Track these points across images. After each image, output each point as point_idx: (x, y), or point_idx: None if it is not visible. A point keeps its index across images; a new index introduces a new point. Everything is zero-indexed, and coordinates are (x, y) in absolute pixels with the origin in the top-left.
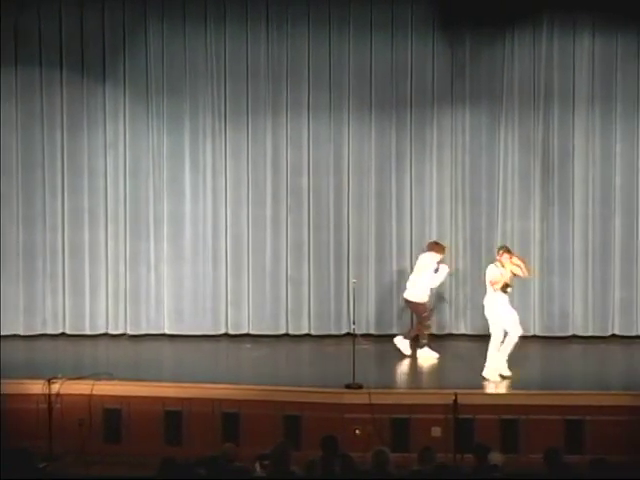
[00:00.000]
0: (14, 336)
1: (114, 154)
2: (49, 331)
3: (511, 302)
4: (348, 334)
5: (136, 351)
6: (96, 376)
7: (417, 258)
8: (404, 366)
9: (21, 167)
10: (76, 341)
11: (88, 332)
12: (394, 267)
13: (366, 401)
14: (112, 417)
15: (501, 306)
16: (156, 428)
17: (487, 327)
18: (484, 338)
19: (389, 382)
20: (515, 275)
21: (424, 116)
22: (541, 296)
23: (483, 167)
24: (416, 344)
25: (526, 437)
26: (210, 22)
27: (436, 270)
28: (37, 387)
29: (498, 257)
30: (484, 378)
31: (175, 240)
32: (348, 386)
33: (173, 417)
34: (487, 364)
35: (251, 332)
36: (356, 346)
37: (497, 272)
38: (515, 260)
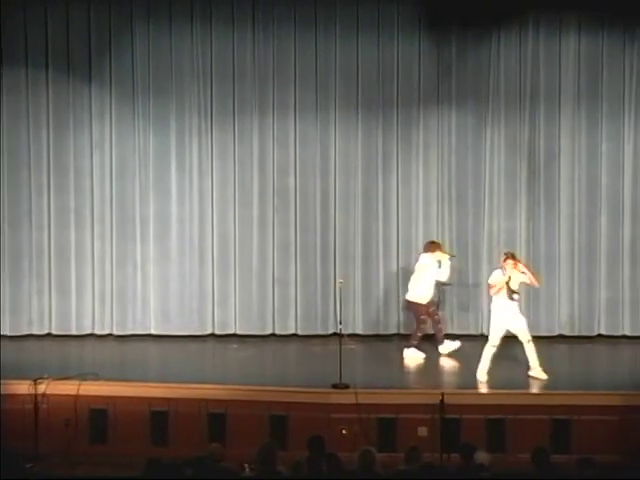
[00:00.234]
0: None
1: (100, 154)
2: (35, 331)
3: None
4: (335, 334)
5: (122, 351)
6: (82, 376)
7: (404, 258)
8: (391, 366)
9: (7, 167)
10: (62, 341)
11: (74, 332)
12: (381, 267)
13: (353, 401)
14: (98, 417)
15: (495, 311)
16: (142, 428)
17: (474, 327)
18: (470, 338)
19: (376, 382)
20: (522, 282)
21: (410, 116)
22: (527, 296)
23: (469, 167)
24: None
25: (513, 437)
26: (196, 23)
27: (439, 266)
28: (23, 387)
29: (502, 263)
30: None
31: (161, 240)
32: (335, 386)
33: (159, 417)
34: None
35: (238, 332)
36: (343, 346)
37: (497, 277)
38: (520, 267)
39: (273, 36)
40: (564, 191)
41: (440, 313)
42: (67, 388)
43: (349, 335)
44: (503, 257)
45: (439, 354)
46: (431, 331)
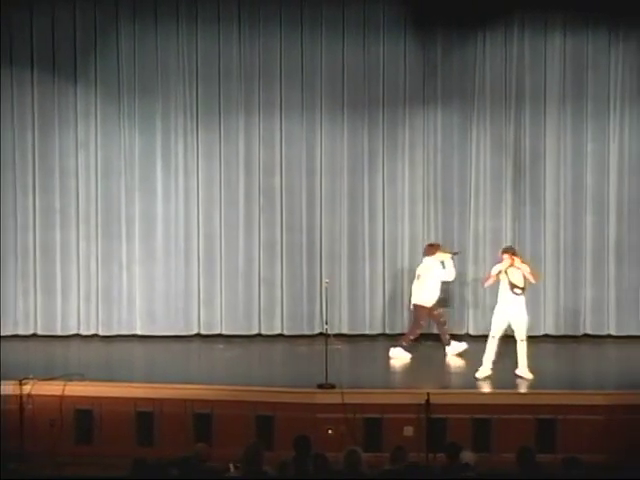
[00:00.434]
0: None
1: (85, 154)
2: (20, 332)
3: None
4: (321, 334)
5: (108, 352)
6: (68, 377)
7: (389, 258)
8: (376, 366)
9: None
10: (47, 342)
11: (59, 333)
12: (367, 267)
13: (339, 401)
14: (84, 418)
15: (499, 304)
16: (128, 429)
17: (458, 327)
18: (456, 338)
19: (361, 382)
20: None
21: (396, 116)
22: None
23: (455, 166)
24: (444, 342)
25: (498, 436)
26: (182, 22)
27: (443, 266)
28: (8, 388)
29: (500, 256)
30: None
31: (147, 240)
32: (321, 386)
33: (145, 418)
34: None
35: (223, 332)
36: (329, 346)
37: (495, 268)
38: (517, 263)
39: (259, 36)
40: (549, 190)
41: (445, 315)
42: (52, 389)
43: (335, 335)
44: (501, 251)
45: (424, 354)
46: (436, 331)
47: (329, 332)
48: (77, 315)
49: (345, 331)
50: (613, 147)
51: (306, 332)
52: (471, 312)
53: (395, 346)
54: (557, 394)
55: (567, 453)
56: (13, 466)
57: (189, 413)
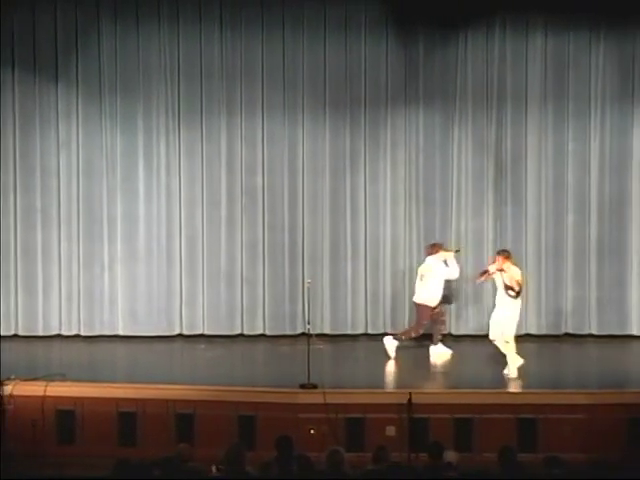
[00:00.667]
0: None
1: (67, 153)
2: (2, 332)
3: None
4: (303, 334)
5: (90, 352)
6: (49, 377)
7: (371, 257)
8: (358, 366)
9: None
10: (29, 342)
11: (41, 333)
12: (349, 267)
13: (321, 401)
14: (65, 418)
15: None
16: (110, 429)
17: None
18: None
19: (343, 382)
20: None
21: (378, 116)
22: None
23: (437, 166)
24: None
25: (480, 436)
26: (163, 22)
27: (446, 265)
28: None
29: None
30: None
31: (129, 240)
32: (303, 386)
33: (127, 418)
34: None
35: (206, 332)
36: (311, 346)
37: (490, 267)
38: (507, 266)
39: (241, 35)
40: (531, 190)
41: (445, 314)
42: (34, 389)
43: (317, 335)
44: (496, 252)
45: (407, 353)
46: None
47: (311, 332)
48: (59, 315)
49: (327, 331)
50: (594, 146)
51: (288, 332)
52: (453, 312)
53: (394, 338)
54: (538, 393)
55: (548, 452)
56: None
57: (171, 413)
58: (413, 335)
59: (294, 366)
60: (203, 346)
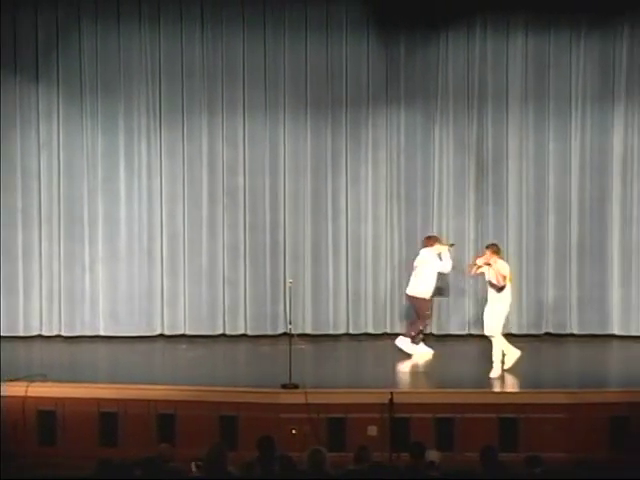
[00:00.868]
0: None
1: (48, 154)
2: None
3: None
4: (284, 334)
5: (71, 352)
6: (30, 378)
7: (353, 257)
8: (340, 366)
9: None
10: (9, 342)
11: (22, 333)
12: (330, 267)
13: (302, 401)
14: (47, 419)
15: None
16: (91, 429)
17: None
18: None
19: (325, 382)
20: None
21: (359, 115)
22: (475, 295)
23: (418, 166)
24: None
25: (461, 435)
26: (144, 22)
27: (440, 258)
28: None
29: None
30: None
31: (110, 240)
32: (284, 386)
33: (108, 418)
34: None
35: (187, 333)
36: (292, 346)
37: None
38: (493, 261)
39: (222, 35)
40: (512, 190)
41: (431, 311)
42: (15, 390)
43: (299, 335)
44: (485, 246)
45: (388, 353)
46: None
47: (293, 332)
48: (39, 316)
49: (309, 331)
50: (575, 146)
51: (270, 332)
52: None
53: (417, 343)
54: (519, 393)
55: (529, 452)
56: None
57: (153, 413)
58: (421, 328)
59: (276, 366)
60: (184, 346)
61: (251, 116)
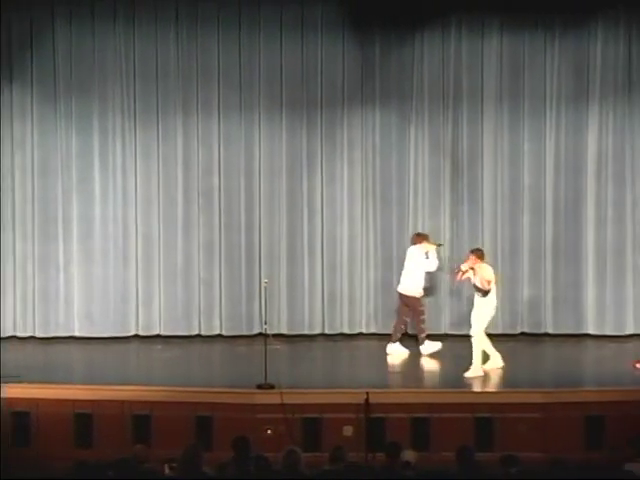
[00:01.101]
0: None
1: (22, 154)
2: None
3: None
4: (260, 334)
5: (45, 353)
6: (4, 379)
7: (328, 257)
8: (316, 366)
9: None
10: None
11: None
12: (306, 267)
13: (278, 401)
14: (21, 420)
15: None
16: (66, 431)
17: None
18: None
19: (301, 382)
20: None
21: (335, 116)
22: (450, 294)
23: (393, 166)
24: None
25: (437, 435)
26: (119, 22)
27: (427, 257)
28: None
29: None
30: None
31: (85, 241)
32: (260, 386)
33: (83, 419)
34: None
35: (162, 333)
36: (268, 346)
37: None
38: (478, 266)
39: (197, 36)
40: (487, 190)
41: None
42: None
43: (274, 335)
44: (469, 251)
45: (365, 353)
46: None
47: (268, 332)
48: (13, 316)
49: (284, 331)
50: (550, 146)
51: (245, 332)
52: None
53: (422, 342)
54: (495, 392)
55: (505, 451)
56: None
57: (128, 414)
58: (422, 326)
59: (251, 366)
60: (160, 347)
61: (226, 116)
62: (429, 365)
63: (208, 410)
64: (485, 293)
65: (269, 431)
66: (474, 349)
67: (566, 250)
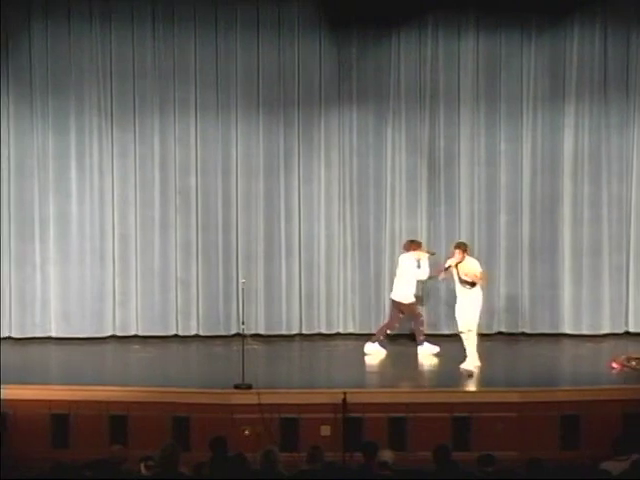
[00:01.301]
0: None
1: None
2: None
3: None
4: (237, 334)
5: (22, 354)
6: None
7: (305, 258)
8: (293, 366)
9: None
10: None
11: None
12: (283, 267)
13: (255, 401)
14: None
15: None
16: (43, 431)
17: (375, 326)
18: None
19: (278, 382)
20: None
21: (312, 116)
22: (428, 294)
23: (371, 167)
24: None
25: (414, 435)
26: (95, 21)
27: (418, 265)
28: None
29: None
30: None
31: (61, 241)
32: (237, 386)
33: (60, 420)
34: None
35: (139, 333)
36: (245, 346)
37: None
38: (465, 259)
39: (173, 35)
40: (464, 190)
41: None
42: None
43: (251, 335)
44: (453, 246)
45: (342, 353)
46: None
47: (245, 332)
48: None
49: (261, 331)
50: (526, 147)
51: (222, 333)
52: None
53: (421, 343)
54: (472, 392)
55: (482, 450)
56: None
57: (105, 415)
58: (422, 329)
59: (228, 367)
60: (137, 347)
61: (203, 116)
62: (406, 365)
63: (185, 410)
64: (472, 285)
65: (246, 431)
66: (466, 342)
67: (542, 250)
